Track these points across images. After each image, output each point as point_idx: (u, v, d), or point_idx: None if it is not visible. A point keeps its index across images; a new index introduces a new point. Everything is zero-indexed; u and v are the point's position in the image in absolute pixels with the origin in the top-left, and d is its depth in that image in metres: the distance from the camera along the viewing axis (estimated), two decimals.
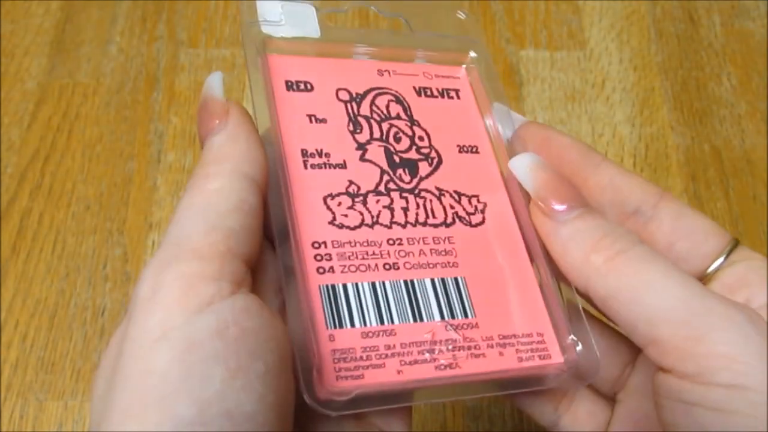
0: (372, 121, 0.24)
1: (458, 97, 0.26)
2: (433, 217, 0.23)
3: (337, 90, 0.25)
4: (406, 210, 0.23)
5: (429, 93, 0.26)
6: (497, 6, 0.49)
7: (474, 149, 0.25)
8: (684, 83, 0.47)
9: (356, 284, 0.21)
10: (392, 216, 0.23)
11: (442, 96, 0.26)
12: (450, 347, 0.21)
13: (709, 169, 0.43)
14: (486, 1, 0.50)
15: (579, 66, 0.47)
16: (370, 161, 0.23)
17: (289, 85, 0.24)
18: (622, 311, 0.19)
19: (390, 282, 0.22)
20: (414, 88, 0.26)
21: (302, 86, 0.24)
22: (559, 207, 0.21)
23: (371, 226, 0.22)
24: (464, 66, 0.27)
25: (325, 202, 0.22)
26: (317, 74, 0.25)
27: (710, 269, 0.22)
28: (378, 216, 0.22)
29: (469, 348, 0.21)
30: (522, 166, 0.23)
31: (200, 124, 0.21)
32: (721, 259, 0.22)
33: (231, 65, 0.47)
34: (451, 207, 0.24)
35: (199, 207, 0.19)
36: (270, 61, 0.24)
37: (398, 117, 0.25)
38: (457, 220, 0.24)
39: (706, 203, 0.42)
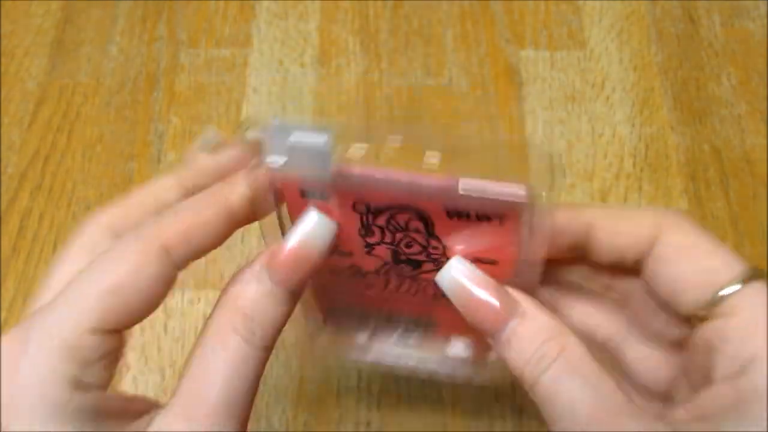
0: (386, 230, 0.23)
1: (500, 223, 0.21)
2: (423, 294, 0.26)
3: (354, 202, 0.22)
4: (399, 286, 0.25)
5: (465, 215, 0.21)
6: (497, 6, 0.49)
7: (492, 262, 0.22)
8: (684, 83, 0.47)
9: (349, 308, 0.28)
10: (386, 286, 0.26)
11: (480, 220, 0.21)
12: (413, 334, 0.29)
13: (709, 169, 0.43)
14: (486, 1, 0.50)
15: (579, 66, 0.47)
16: (377, 256, 0.24)
17: (303, 193, 0.22)
18: (549, 420, 0.21)
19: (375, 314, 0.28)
20: (446, 208, 0.21)
21: (317, 194, 0.22)
22: (488, 327, 0.21)
23: (367, 288, 0.26)
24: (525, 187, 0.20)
25: (332, 274, 0.25)
26: (336, 185, 0.21)
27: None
28: (374, 285, 0.26)
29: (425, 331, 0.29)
30: (446, 284, 0.22)
31: None
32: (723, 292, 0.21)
33: (231, 65, 0.47)
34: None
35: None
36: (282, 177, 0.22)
37: (416, 231, 0.22)
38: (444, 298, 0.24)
39: (706, 203, 0.42)
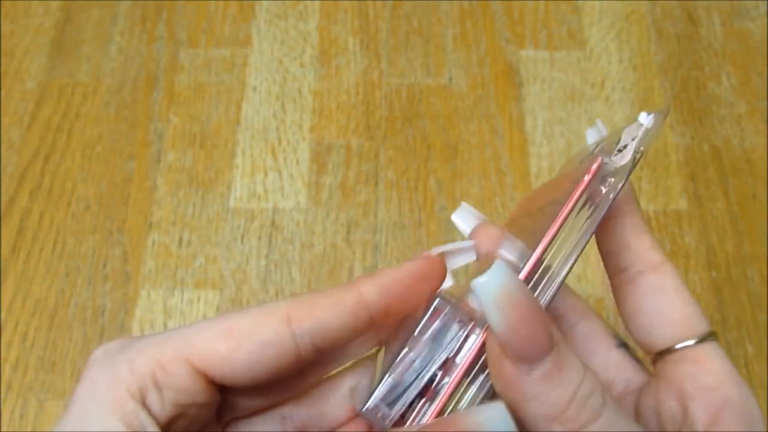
0: None
1: None
2: None
3: None
4: None
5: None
6: (497, 6, 0.49)
7: None
8: (684, 83, 0.47)
9: None
10: None
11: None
12: None
13: (709, 169, 0.43)
14: (486, 0, 0.50)
15: (579, 66, 0.47)
16: None
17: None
18: None
19: None
20: None
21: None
22: (526, 359, 0.19)
23: None
24: None
25: None
26: None
27: (661, 352, 0.22)
28: None
29: None
30: (488, 297, 0.18)
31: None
32: (685, 343, 0.22)
33: (231, 65, 0.47)
34: None
35: None
36: None
37: None
38: None
39: (705, 203, 0.42)
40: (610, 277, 0.24)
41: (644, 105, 0.46)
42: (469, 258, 0.24)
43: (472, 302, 0.22)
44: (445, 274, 0.23)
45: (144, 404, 0.19)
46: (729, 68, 0.47)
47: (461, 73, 0.47)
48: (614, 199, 0.21)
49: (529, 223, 0.24)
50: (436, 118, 0.45)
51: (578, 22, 0.49)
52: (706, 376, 0.21)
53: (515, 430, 0.18)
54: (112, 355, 0.20)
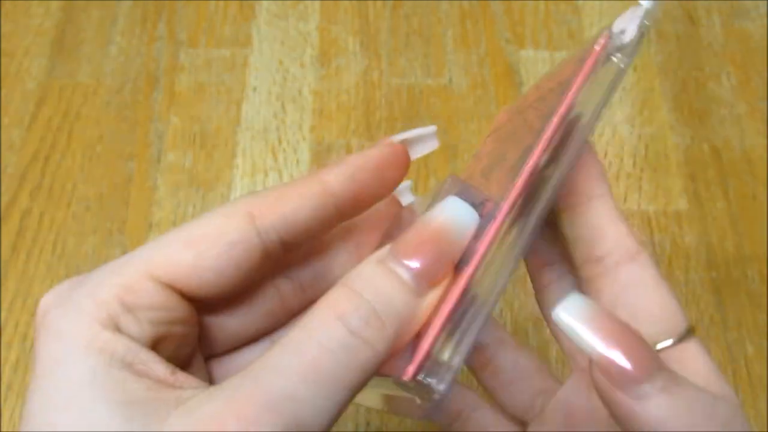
0: None
1: None
2: None
3: None
4: None
5: None
6: (497, 6, 0.49)
7: None
8: (684, 83, 0.47)
9: None
10: None
11: None
12: None
13: (709, 169, 0.43)
14: (486, 1, 0.50)
15: None
16: None
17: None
18: None
19: None
20: None
21: None
22: (633, 377, 0.17)
23: None
24: None
25: None
26: None
27: None
28: None
29: None
30: (575, 319, 0.17)
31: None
32: (665, 343, 0.20)
33: (231, 65, 0.47)
34: None
35: None
36: None
37: None
38: None
39: (705, 203, 0.42)
40: (579, 267, 0.22)
41: (644, 105, 0.46)
42: (432, 146, 0.23)
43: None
44: (409, 162, 0.22)
45: (119, 330, 0.17)
46: (729, 68, 0.47)
47: (461, 74, 0.47)
48: (625, 70, 0.20)
49: (526, 119, 0.22)
50: (436, 119, 0.45)
51: (578, 22, 0.49)
52: (692, 378, 0.20)
53: (477, 214, 0.18)
54: (66, 295, 0.18)
